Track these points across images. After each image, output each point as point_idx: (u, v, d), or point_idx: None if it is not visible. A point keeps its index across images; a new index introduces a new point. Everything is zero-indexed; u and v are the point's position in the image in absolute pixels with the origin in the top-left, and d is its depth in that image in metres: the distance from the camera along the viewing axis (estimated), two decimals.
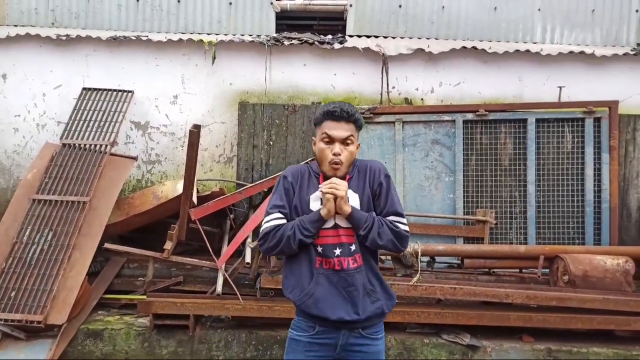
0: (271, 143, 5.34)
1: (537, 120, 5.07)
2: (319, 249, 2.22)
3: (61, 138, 4.93)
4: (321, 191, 2.21)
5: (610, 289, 3.93)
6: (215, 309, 3.87)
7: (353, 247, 2.22)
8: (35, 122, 5.48)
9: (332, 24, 6.54)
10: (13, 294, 3.86)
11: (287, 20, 6.43)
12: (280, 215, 2.25)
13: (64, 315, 3.78)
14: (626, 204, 5.21)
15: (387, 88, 5.47)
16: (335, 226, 2.23)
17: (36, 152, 5.11)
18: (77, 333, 3.83)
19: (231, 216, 4.89)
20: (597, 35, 6.10)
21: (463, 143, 5.11)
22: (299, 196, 2.28)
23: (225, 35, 5.88)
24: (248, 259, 4.04)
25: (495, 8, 6.10)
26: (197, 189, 4.65)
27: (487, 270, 4.52)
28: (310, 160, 4.47)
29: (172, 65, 5.51)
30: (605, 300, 3.77)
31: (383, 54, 5.40)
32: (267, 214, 2.27)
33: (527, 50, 5.45)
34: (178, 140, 5.51)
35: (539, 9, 6.09)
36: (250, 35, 5.86)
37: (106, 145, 4.85)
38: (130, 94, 5.34)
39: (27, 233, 4.20)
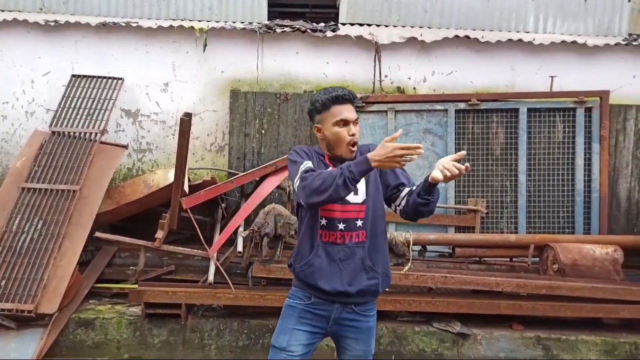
0: (263, 132, 5.31)
1: (529, 110, 5.08)
2: (324, 221, 2.24)
3: (50, 126, 4.87)
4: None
5: (599, 277, 3.98)
6: (207, 298, 3.87)
7: (359, 223, 2.24)
8: (24, 110, 5.40)
9: (324, 11, 6.50)
10: (3, 283, 3.83)
11: (279, 8, 6.38)
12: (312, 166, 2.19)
13: (55, 305, 3.76)
14: (616, 193, 5.26)
15: (380, 77, 5.45)
16: (344, 201, 2.22)
17: (25, 140, 5.05)
18: (68, 322, 3.81)
19: (223, 205, 4.87)
20: (590, 25, 6.11)
21: (455, 132, 5.11)
22: None
23: (217, 22, 5.82)
24: (240, 248, 4.04)
25: None
26: (188, 177, 4.62)
27: (478, 259, 4.56)
28: None
29: (163, 52, 5.45)
30: (594, 289, 3.81)
31: (376, 42, 5.37)
32: (301, 163, 2.18)
33: (520, 40, 5.45)
34: (169, 128, 5.46)
35: None
36: (242, 23, 5.81)
37: (96, 134, 4.80)
38: (120, 81, 5.28)
39: (16, 222, 4.16)
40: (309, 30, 5.41)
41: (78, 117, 4.94)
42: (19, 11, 5.86)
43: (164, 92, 5.45)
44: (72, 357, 3.78)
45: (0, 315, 3.73)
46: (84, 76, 5.27)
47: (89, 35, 5.42)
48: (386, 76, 5.49)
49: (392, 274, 3.80)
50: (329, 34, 5.40)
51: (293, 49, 5.49)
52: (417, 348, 3.79)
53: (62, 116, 4.93)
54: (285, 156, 4.28)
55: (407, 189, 2.27)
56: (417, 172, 5.16)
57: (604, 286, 3.84)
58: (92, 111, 4.99)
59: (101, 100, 5.09)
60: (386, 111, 5.15)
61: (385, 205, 2.35)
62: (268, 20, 5.96)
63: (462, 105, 5.12)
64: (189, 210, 4.08)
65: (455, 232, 5.02)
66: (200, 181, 4.76)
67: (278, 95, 5.30)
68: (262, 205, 4.22)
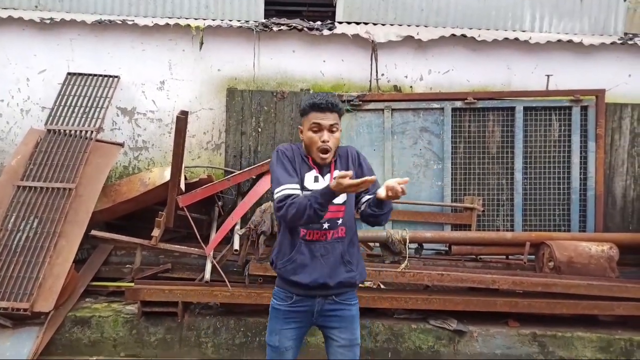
0: (259, 130, 5.31)
1: (525, 109, 5.10)
2: None
3: (46, 124, 4.85)
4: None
5: (595, 274, 4.00)
6: (204, 296, 3.87)
7: (340, 221, 2.38)
8: (19, 108, 5.38)
9: (321, 10, 6.50)
10: None
11: (275, 6, 6.37)
12: (296, 186, 2.29)
13: (51, 303, 3.75)
14: (611, 191, 5.28)
15: (376, 75, 5.45)
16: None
17: (20, 138, 5.03)
18: (64, 320, 3.80)
19: (219, 203, 4.87)
20: (585, 24, 6.12)
21: (451, 131, 5.13)
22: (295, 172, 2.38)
23: (213, 20, 5.80)
24: (236, 246, 4.03)
25: None
26: (184, 176, 4.61)
27: (474, 256, 4.57)
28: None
29: (159, 50, 5.43)
30: (589, 286, 3.83)
31: (372, 41, 5.37)
32: (278, 183, 2.30)
33: (516, 39, 5.46)
34: (165, 126, 5.45)
35: None
36: (239, 21, 5.79)
37: (92, 132, 4.79)
38: (116, 79, 5.26)
39: (12, 220, 4.14)
40: (305, 29, 5.40)
41: (74, 115, 4.92)
42: (14, 9, 5.83)
43: (160, 90, 5.44)
44: (68, 356, 3.77)
45: None
46: (80, 74, 5.25)
47: (85, 33, 5.40)
48: (383, 74, 5.49)
49: (389, 271, 3.89)
50: (326, 32, 5.40)
51: (290, 47, 5.49)
52: (413, 345, 3.80)
53: (58, 114, 4.91)
54: None
55: (367, 197, 2.39)
56: (413, 170, 5.18)
57: (599, 283, 3.86)
58: (87, 109, 4.97)
59: (97, 99, 5.07)
60: (383, 110, 5.15)
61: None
62: (265, 18, 5.95)
63: (458, 104, 5.13)
64: (185, 209, 4.07)
65: (452, 229, 5.03)
66: (197, 179, 4.75)
67: (274, 94, 5.30)
68: (258, 203, 4.23)
